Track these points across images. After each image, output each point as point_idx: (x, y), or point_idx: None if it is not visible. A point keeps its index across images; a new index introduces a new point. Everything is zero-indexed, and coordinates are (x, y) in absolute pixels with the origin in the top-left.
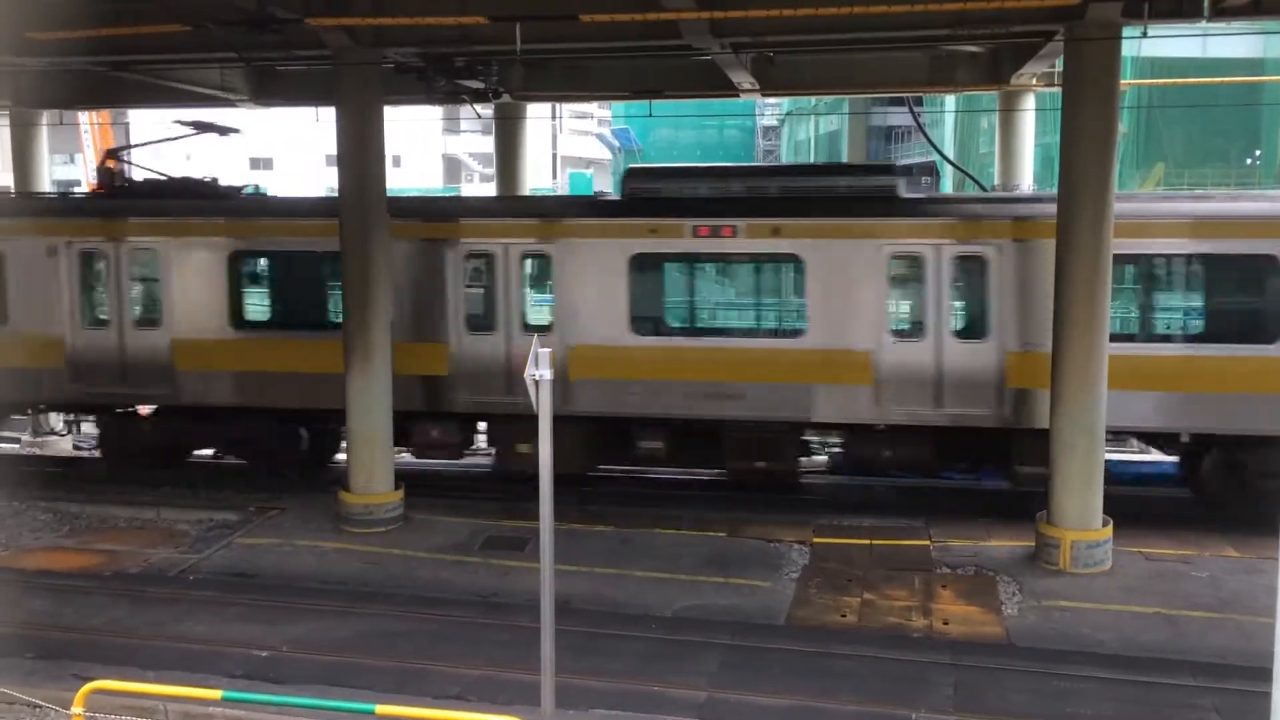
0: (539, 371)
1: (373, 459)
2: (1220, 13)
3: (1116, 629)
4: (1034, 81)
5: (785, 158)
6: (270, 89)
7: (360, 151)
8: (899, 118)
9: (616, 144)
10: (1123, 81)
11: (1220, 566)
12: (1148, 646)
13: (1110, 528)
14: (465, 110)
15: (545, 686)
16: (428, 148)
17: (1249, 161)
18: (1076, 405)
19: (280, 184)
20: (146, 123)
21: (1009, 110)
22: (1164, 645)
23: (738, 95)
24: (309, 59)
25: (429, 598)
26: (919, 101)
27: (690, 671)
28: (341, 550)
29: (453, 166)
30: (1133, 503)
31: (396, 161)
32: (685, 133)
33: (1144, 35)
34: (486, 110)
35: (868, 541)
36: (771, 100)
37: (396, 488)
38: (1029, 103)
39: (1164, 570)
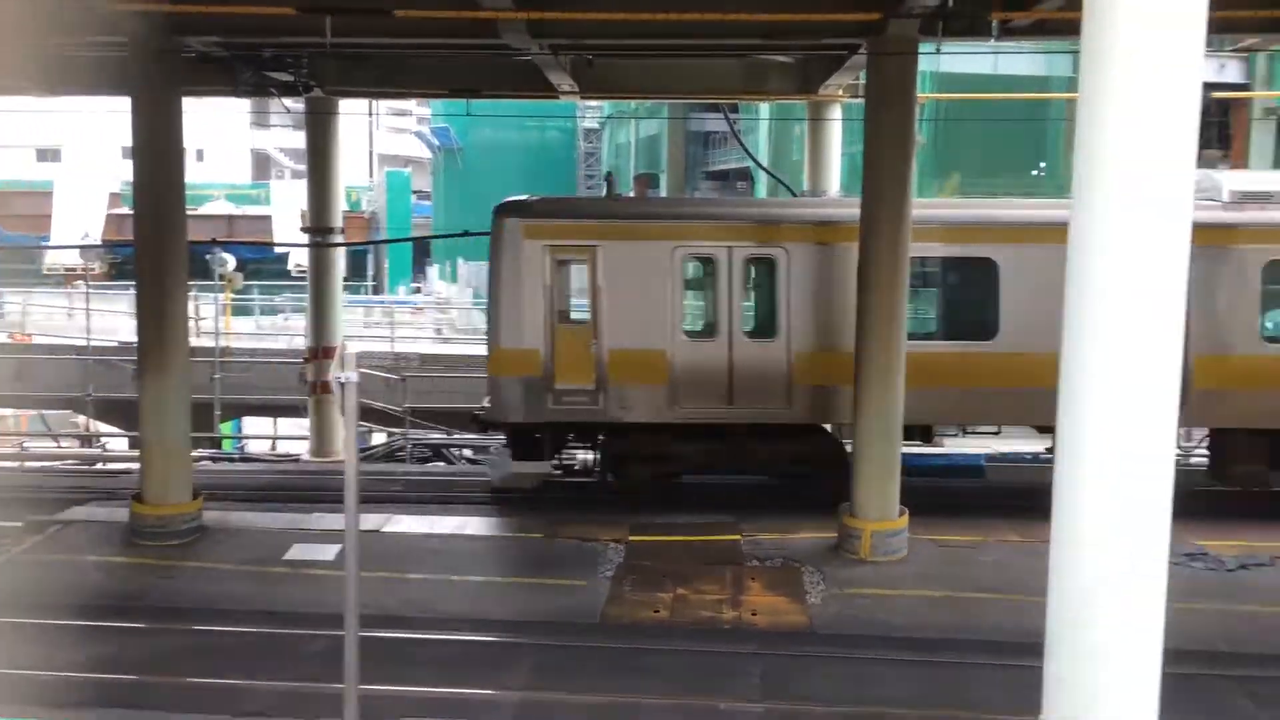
0: (345, 375)
1: (167, 468)
2: (1008, 32)
3: (911, 613)
4: (840, 92)
5: (606, 160)
6: (62, 76)
7: (157, 145)
8: (717, 123)
9: (436, 143)
10: (921, 95)
11: (1004, 551)
12: (938, 627)
13: (906, 517)
14: (276, 104)
15: (349, 697)
16: (234, 141)
17: (1034, 173)
18: (877, 403)
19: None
20: None
21: (818, 119)
22: (953, 625)
23: (557, 96)
24: (103, 46)
25: (232, 611)
26: (734, 109)
27: (504, 673)
28: (134, 565)
29: (262, 162)
30: (930, 493)
31: (199, 155)
32: (507, 133)
33: (938, 51)
34: (297, 104)
35: (681, 538)
36: (593, 103)
37: (195, 497)
38: (836, 112)
39: (955, 556)
